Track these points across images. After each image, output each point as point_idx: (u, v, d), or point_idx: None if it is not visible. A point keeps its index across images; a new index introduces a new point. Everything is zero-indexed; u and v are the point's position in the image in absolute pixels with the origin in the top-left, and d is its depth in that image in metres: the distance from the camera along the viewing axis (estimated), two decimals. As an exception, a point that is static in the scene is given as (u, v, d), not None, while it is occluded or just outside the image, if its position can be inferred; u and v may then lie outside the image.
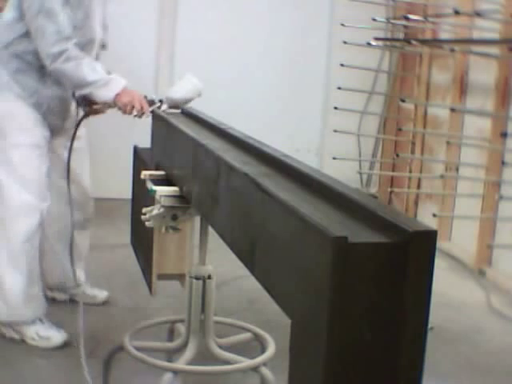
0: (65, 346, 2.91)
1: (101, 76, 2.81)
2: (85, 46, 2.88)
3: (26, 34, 2.83)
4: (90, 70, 2.78)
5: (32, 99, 2.88)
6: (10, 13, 2.88)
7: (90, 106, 3.06)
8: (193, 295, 2.43)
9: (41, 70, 2.86)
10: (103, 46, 3.16)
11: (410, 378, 1.11)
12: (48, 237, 3.18)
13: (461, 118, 4.67)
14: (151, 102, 2.82)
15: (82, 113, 3.06)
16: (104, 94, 2.82)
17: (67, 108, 3.04)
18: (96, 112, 3.11)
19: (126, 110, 2.82)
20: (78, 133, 3.07)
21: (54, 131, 3.02)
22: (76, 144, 3.07)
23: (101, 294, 3.43)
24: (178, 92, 2.78)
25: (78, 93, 2.93)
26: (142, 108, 2.79)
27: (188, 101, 2.80)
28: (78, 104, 3.06)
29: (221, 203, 1.73)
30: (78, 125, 3.02)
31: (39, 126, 2.92)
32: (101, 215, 5.05)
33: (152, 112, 2.79)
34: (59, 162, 3.05)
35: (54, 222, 3.16)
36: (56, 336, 2.94)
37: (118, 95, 2.80)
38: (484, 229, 4.28)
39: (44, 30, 2.74)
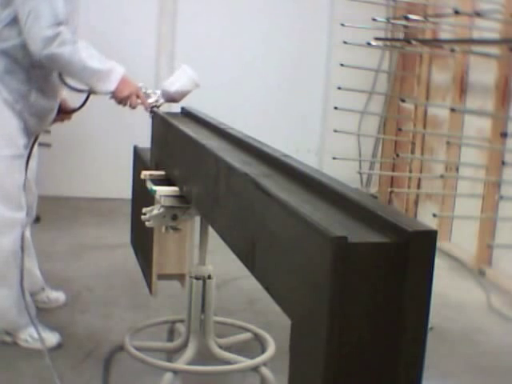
0: (59, 347, 2.87)
1: (100, 65, 2.65)
2: None
3: (13, 24, 2.62)
4: (88, 56, 2.62)
5: (18, 105, 2.72)
6: None
7: (60, 112, 2.99)
8: (193, 295, 2.43)
9: (29, 70, 2.70)
10: None
11: (410, 378, 1.11)
12: None
13: (461, 118, 4.67)
14: (147, 96, 2.74)
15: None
16: (104, 86, 2.68)
17: (51, 113, 2.89)
18: (62, 120, 3.07)
19: (122, 103, 2.72)
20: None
21: (32, 135, 2.89)
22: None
23: (62, 296, 3.35)
24: (174, 85, 2.71)
25: (75, 81, 2.74)
26: (139, 102, 2.71)
27: (185, 94, 2.73)
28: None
29: (221, 203, 1.73)
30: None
31: (22, 135, 2.77)
32: (101, 215, 5.08)
33: (151, 110, 2.72)
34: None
35: None
36: (50, 337, 2.90)
37: (116, 87, 2.67)
38: (484, 229, 4.28)
39: (38, 13, 2.51)
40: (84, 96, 2.88)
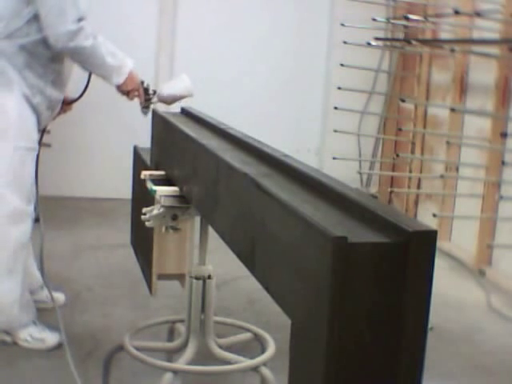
0: (59, 347, 2.84)
1: (116, 61, 2.81)
2: None
3: (33, 20, 2.70)
4: (106, 52, 2.77)
5: (35, 99, 2.79)
6: None
7: (63, 104, 3.07)
8: (193, 295, 2.42)
9: (45, 65, 2.78)
10: None
11: (410, 378, 1.11)
12: None
13: (461, 118, 4.67)
14: (146, 90, 2.94)
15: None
16: (115, 79, 2.85)
17: (59, 104, 2.97)
18: (65, 111, 3.18)
19: (124, 94, 2.92)
20: None
21: (40, 129, 2.95)
22: None
23: (61, 296, 3.34)
24: (169, 89, 2.94)
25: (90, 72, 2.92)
26: (136, 95, 2.92)
27: (176, 99, 2.94)
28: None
29: (221, 203, 1.73)
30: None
31: (35, 129, 2.84)
32: (101, 215, 5.08)
33: (144, 106, 2.92)
34: None
35: None
36: (50, 338, 2.90)
37: (124, 82, 2.87)
38: (484, 229, 4.28)
39: (62, 7, 2.63)
40: (83, 87, 3.04)
